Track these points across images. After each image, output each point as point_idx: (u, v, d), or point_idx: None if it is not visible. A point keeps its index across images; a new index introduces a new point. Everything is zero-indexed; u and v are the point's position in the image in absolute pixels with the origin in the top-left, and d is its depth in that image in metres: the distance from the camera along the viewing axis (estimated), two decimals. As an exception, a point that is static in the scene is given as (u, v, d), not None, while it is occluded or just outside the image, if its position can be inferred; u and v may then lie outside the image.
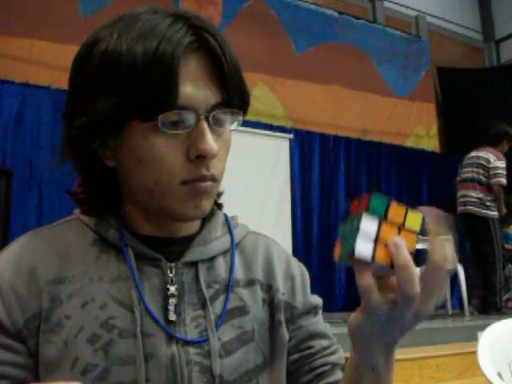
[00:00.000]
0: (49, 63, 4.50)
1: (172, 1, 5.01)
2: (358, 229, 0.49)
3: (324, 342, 0.75)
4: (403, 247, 0.50)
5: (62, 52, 4.48)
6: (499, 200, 4.48)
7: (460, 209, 4.60)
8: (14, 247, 0.67)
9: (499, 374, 1.28)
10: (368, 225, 0.49)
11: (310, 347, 0.74)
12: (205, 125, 0.62)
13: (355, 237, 0.49)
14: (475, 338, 1.42)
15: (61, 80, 4.28)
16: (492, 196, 4.43)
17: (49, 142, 4.17)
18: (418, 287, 0.50)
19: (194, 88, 0.61)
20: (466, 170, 4.63)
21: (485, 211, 4.42)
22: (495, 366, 1.28)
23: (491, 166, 4.43)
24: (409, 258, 0.50)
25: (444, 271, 0.51)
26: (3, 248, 0.69)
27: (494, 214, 4.43)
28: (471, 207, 4.49)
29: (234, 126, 0.67)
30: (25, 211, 4.14)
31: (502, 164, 4.45)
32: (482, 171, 4.47)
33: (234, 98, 0.64)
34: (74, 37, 4.44)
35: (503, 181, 4.42)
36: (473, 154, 4.60)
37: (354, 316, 0.56)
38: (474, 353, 1.30)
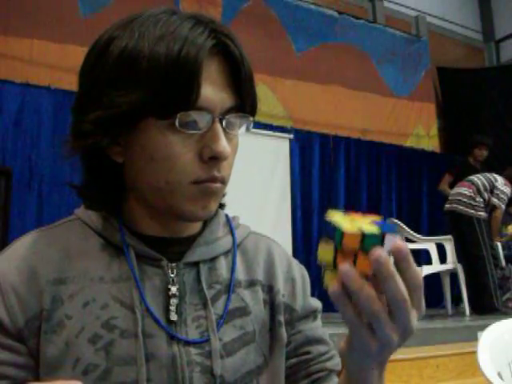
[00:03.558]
0: (49, 63, 4.50)
1: (172, 1, 5.02)
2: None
3: (322, 348, 0.75)
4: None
5: (62, 52, 4.49)
6: (496, 223, 4.52)
7: (446, 206, 4.61)
8: (15, 247, 0.67)
9: (499, 374, 1.28)
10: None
11: (307, 352, 0.74)
12: (219, 127, 0.63)
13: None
14: (475, 338, 1.42)
15: (61, 80, 4.29)
16: (481, 199, 4.44)
17: (49, 141, 4.17)
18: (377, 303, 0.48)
19: (213, 91, 0.63)
20: (473, 175, 4.66)
21: (470, 210, 4.41)
22: (495, 365, 1.28)
23: (498, 186, 4.47)
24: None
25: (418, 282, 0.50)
26: (4, 248, 0.69)
27: (480, 214, 4.41)
28: (456, 205, 4.49)
29: (242, 130, 0.67)
30: (25, 211, 4.15)
31: (508, 191, 4.49)
32: (486, 182, 4.49)
33: (246, 102, 0.66)
34: (74, 37, 4.45)
35: (503, 207, 4.48)
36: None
37: (343, 344, 0.56)
38: (474, 353, 1.30)
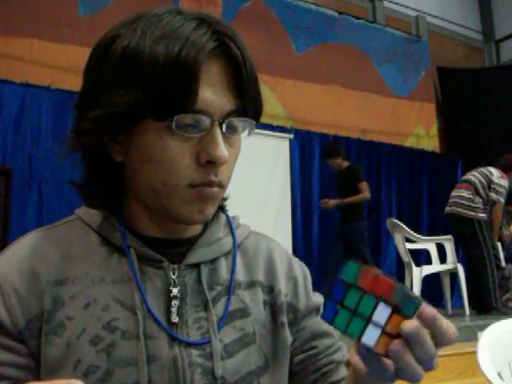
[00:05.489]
0: (49, 63, 4.51)
1: (172, 0, 5.02)
2: (370, 315, 0.49)
3: (327, 341, 0.75)
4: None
5: (62, 52, 4.49)
6: (496, 218, 4.50)
7: (447, 209, 4.61)
8: (16, 247, 0.67)
9: (499, 374, 1.28)
10: (381, 313, 0.49)
11: (314, 347, 0.75)
12: (218, 131, 0.62)
13: (366, 323, 0.49)
14: (475, 338, 1.42)
15: (61, 80, 4.29)
16: (480, 199, 4.43)
17: (49, 141, 4.17)
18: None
19: (212, 93, 0.62)
20: (469, 173, 4.65)
21: (470, 212, 4.40)
22: (495, 365, 1.28)
23: (495, 180, 4.45)
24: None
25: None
26: (4, 248, 0.68)
27: (481, 216, 4.40)
28: (456, 208, 4.48)
29: (244, 134, 0.67)
30: (25, 211, 4.15)
31: (505, 184, 4.47)
32: (482, 179, 4.48)
33: (248, 106, 0.65)
34: (74, 37, 4.46)
35: (502, 200, 4.46)
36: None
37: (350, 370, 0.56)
38: (474, 353, 1.30)
